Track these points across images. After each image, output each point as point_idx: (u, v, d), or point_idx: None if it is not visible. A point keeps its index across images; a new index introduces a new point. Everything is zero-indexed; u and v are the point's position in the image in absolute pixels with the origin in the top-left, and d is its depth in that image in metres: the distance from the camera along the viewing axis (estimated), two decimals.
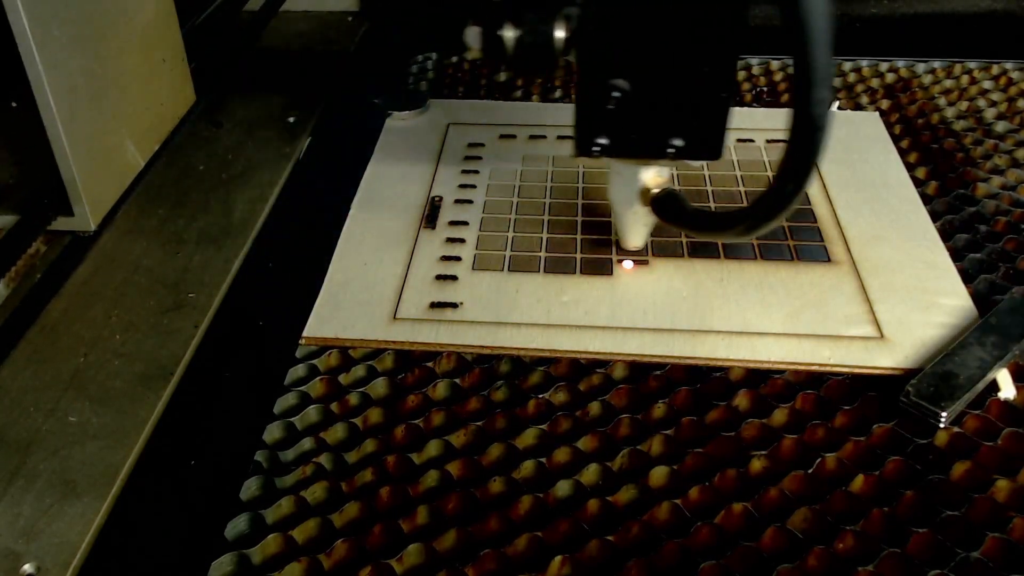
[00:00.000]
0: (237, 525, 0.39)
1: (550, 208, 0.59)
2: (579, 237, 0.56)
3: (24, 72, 0.50)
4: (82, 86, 0.55)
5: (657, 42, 0.42)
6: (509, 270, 0.53)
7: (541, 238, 0.56)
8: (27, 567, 0.38)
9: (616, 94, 0.43)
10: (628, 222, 0.52)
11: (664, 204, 0.48)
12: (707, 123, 0.44)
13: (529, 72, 0.46)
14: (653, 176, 0.48)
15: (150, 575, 0.38)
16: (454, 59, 0.79)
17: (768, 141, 0.65)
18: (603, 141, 0.45)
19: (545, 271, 0.53)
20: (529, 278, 0.53)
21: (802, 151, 0.36)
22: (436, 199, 0.60)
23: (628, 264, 0.53)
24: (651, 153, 0.45)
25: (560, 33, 0.43)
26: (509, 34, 0.44)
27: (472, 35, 0.45)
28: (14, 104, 0.58)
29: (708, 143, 0.45)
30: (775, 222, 0.40)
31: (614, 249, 0.55)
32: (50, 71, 0.51)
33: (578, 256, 0.54)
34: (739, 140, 0.65)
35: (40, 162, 0.54)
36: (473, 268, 0.54)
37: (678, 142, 0.44)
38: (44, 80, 0.51)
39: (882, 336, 0.48)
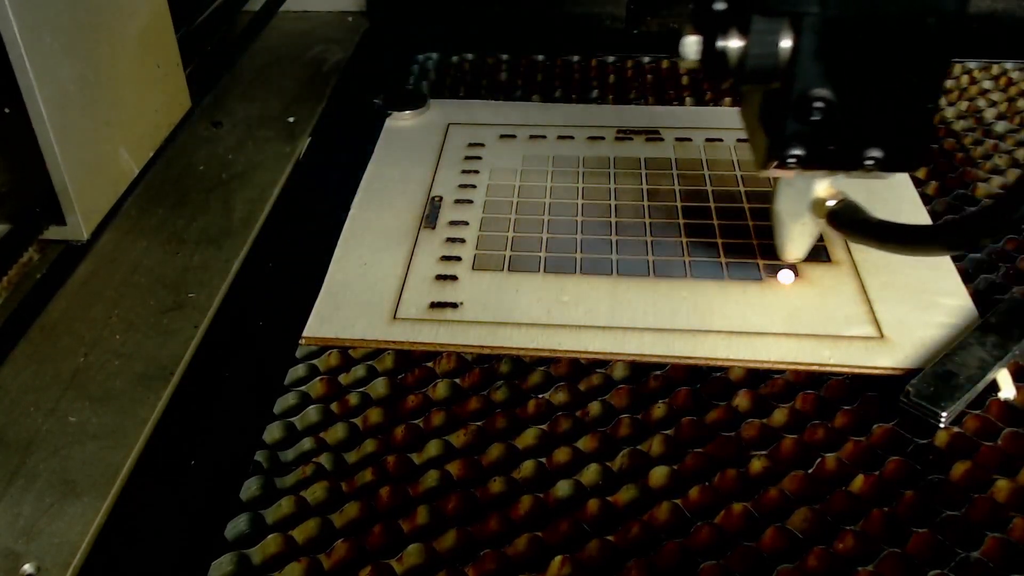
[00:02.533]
0: (237, 525, 0.39)
1: (550, 208, 0.59)
2: (579, 237, 0.56)
3: (15, 79, 0.50)
4: (74, 93, 0.54)
5: (867, 51, 0.40)
6: (509, 270, 0.53)
7: (541, 238, 0.56)
8: (27, 567, 0.38)
9: (820, 104, 0.41)
10: (795, 234, 0.50)
11: (842, 215, 0.46)
12: (909, 134, 0.43)
13: (749, 82, 0.43)
14: (827, 187, 0.47)
15: (150, 575, 0.38)
16: (454, 59, 0.79)
17: None
18: (799, 152, 0.43)
19: (545, 271, 0.53)
20: (529, 278, 0.53)
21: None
22: (436, 199, 0.60)
23: (787, 276, 0.52)
24: (848, 165, 0.44)
25: (786, 43, 0.41)
26: (733, 44, 0.42)
27: (690, 45, 0.43)
28: (6, 111, 0.57)
29: (910, 154, 0.43)
30: (989, 239, 0.39)
31: (614, 248, 0.54)
32: (41, 78, 0.50)
33: (578, 256, 0.54)
34: (739, 140, 0.65)
35: (31, 170, 0.53)
36: (473, 268, 0.54)
37: (876, 153, 0.43)
38: (35, 87, 0.50)
39: (882, 336, 0.48)
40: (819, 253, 0.54)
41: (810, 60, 0.41)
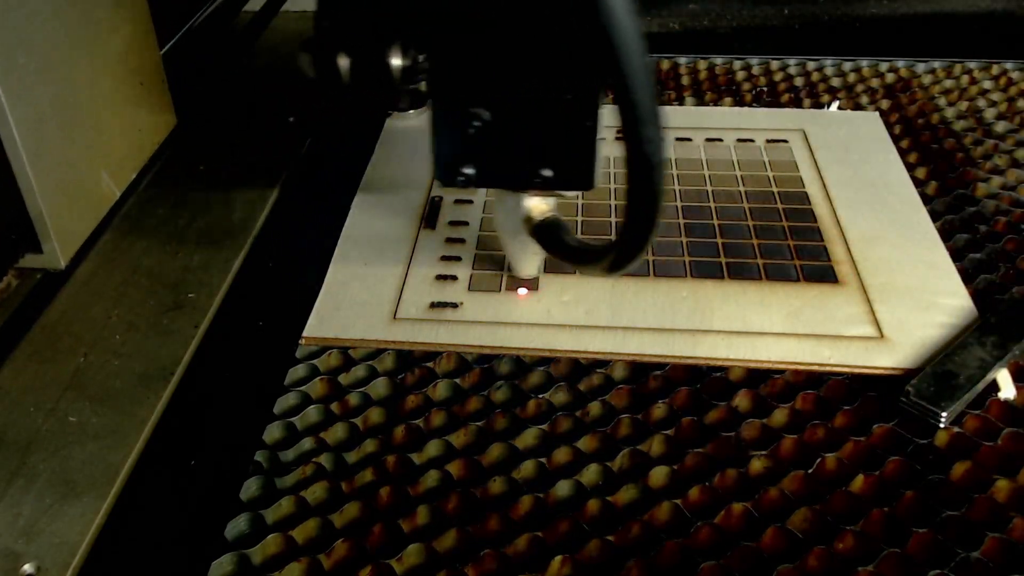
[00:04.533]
0: (237, 525, 0.39)
1: None
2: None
3: None
4: (51, 115, 0.52)
5: (514, 69, 0.39)
6: (510, 269, 0.53)
7: None
8: (27, 567, 0.38)
9: (476, 123, 0.40)
10: (517, 251, 0.50)
11: (544, 233, 0.45)
12: (575, 152, 0.42)
13: (369, 101, 0.42)
14: (537, 203, 0.46)
15: (150, 575, 0.38)
16: None
17: (768, 141, 0.65)
18: (469, 171, 0.43)
19: (545, 271, 0.53)
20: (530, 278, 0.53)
21: (645, 191, 0.34)
22: (436, 199, 0.60)
23: (523, 291, 0.51)
24: (520, 184, 0.43)
25: (397, 61, 0.41)
26: (343, 62, 0.41)
27: (304, 62, 0.42)
28: None
29: (578, 173, 0.42)
30: (634, 262, 0.38)
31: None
32: (14, 101, 0.48)
33: None
34: (739, 140, 0.65)
35: (5, 197, 0.51)
36: (473, 268, 0.54)
37: (547, 172, 0.42)
38: (7, 111, 0.48)
39: (882, 336, 0.48)
40: (819, 253, 0.54)
41: (452, 79, 0.40)
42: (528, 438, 0.43)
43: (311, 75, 0.43)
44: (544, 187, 0.43)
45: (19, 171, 0.50)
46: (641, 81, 0.31)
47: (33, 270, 0.54)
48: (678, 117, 0.69)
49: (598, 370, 0.47)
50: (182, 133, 0.68)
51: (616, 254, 0.39)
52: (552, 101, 0.40)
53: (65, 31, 0.54)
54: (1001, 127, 0.67)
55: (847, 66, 0.76)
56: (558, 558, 0.38)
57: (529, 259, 0.50)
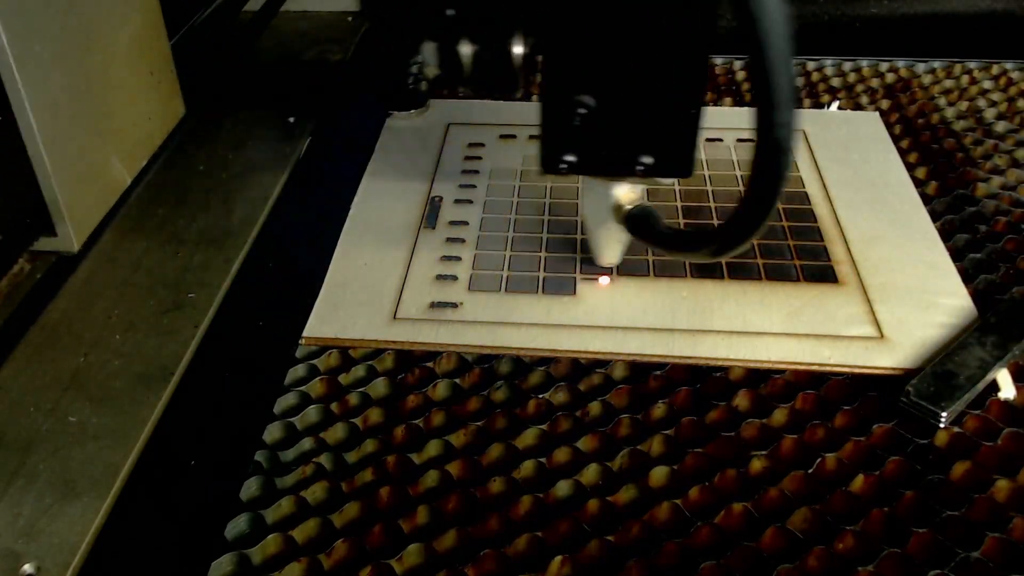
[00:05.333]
0: (237, 525, 0.39)
1: (550, 208, 0.59)
2: (579, 237, 0.56)
3: (3, 89, 0.49)
4: (65, 102, 0.53)
5: (623, 57, 0.40)
6: (509, 269, 0.53)
7: (541, 238, 0.56)
8: (27, 567, 0.38)
9: (582, 110, 0.41)
10: (602, 239, 0.50)
11: (637, 221, 0.46)
12: (676, 140, 0.42)
13: (490, 89, 0.43)
14: (626, 192, 0.47)
15: (150, 575, 0.38)
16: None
17: None
18: (570, 158, 0.43)
19: (545, 270, 0.53)
20: (530, 278, 0.53)
21: (768, 176, 0.35)
22: (436, 199, 0.60)
23: (604, 280, 0.52)
24: (620, 171, 0.44)
25: (519, 49, 0.41)
26: (465, 51, 0.42)
27: (428, 51, 0.43)
28: None
29: (678, 160, 0.43)
30: (742, 246, 0.39)
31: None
32: (31, 88, 0.50)
33: (578, 256, 0.54)
34: (739, 140, 0.65)
35: (21, 181, 0.52)
36: (473, 268, 0.54)
37: (647, 160, 0.43)
38: (24, 97, 0.49)
39: (882, 336, 0.48)
40: (819, 253, 0.54)
41: (563, 66, 0.41)
42: (528, 438, 0.43)
43: (433, 64, 0.43)
44: (644, 175, 0.43)
45: (35, 156, 0.51)
46: (783, 65, 0.32)
47: (47, 253, 0.56)
48: None
49: (598, 370, 0.47)
50: (187, 129, 0.68)
51: (726, 236, 0.39)
52: (658, 88, 0.41)
53: (79, 21, 0.55)
54: (1001, 127, 0.67)
55: (847, 66, 0.76)
56: (558, 558, 0.38)
57: (613, 247, 0.51)
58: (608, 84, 0.41)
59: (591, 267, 0.53)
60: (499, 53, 0.42)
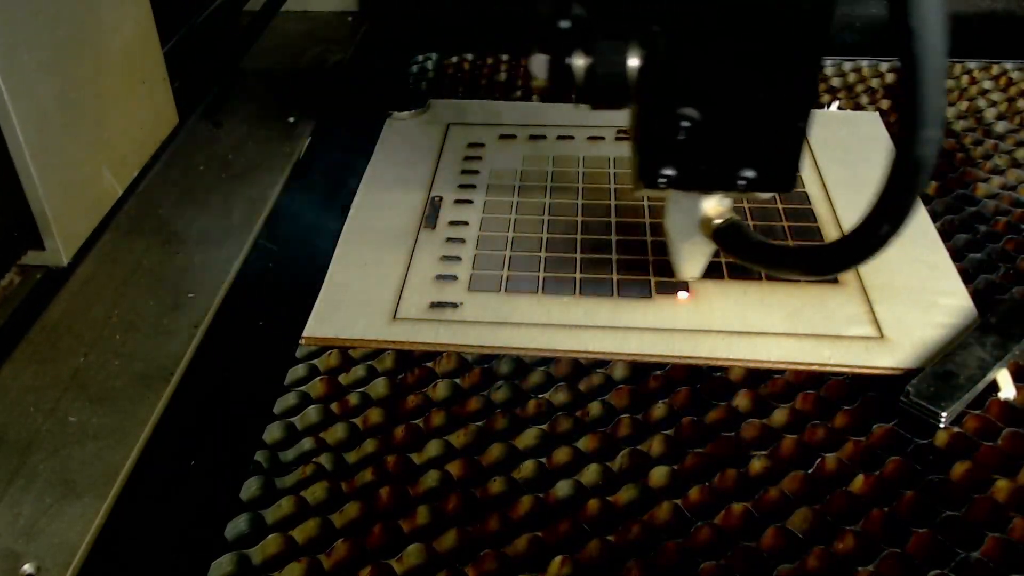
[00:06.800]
0: (237, 525, 0.39)
1: (550, 208, 0.59)
2: (579, 237, 0.56)
3: None
4: (53, 113, 0.52)
5: (732, 69, 0.39)
6: (509, 269, 0.53)
7: (541, 238, 0.56)
8: (27, 567, 0.38)
9: (686, 123, 0.40)
10: (686, 253, 0.49)
11: (728, 235, 0.45)
12: (781, 154, 0.42)
13: (600, 104, 0.42)
14: (714, 205, 0.46)
15: (150, 575, 0.38)
16: (454, 59, 0.79)
17: None
18: (669, 172, 0.43)
19: (545, 270, 0.53)
20: (530, 278, 0.53)
21: (903, 191, 0.34)
22: (436, 199, 0.60)
23: (684, 294, 0.51)
24: (721, 185, 0.43)
25: (634, 62, 0.40)
26: (579, 63, 0.40)
27: (538, 64, 0.41)
28: None
29: (782, 174, 0.42)
30: (862, 263, 0.37)
31: (614, 248, 0.55)
32: (17, 98, 0.49)
33: (578, 256, 0.54)
34: None
35: (8, 193, 0.51)
36: (473, 268, 0.54)
37: (749, 173, 0.42)
38: (10, 108, 0.48)
39: (882, 336, 0.48)
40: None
41: (669, 78, 0.40)
42: (528, 438, 0.43)
43: (542, 76, 0.42)
44: (745, 189, 0.43)
45: (22, 168, 0.50)
46: (937, 82, 0.31)
47: (35, 267, 0.54)
48: None
49: (598, 370, 0.47)
50: (183, 133, 0.68)
51: (846, 253, 0.38)
52: (766, 100, 0.40)
53: (68, 29, 0.54)
54: (1001, 127, 0.67)
55: (847, 66, 0.76)
56: (558, 558, 0.38)
57: (697, 261, 0.50)
58: (714, 96, 0.40)
59: (665, 283, 0.52)
60: (614, 66, 0.40)
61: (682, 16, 0.38)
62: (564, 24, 0.41)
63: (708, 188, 0.44)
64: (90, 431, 0.44)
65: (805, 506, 0.39)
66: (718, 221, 0.45)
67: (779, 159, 0.42)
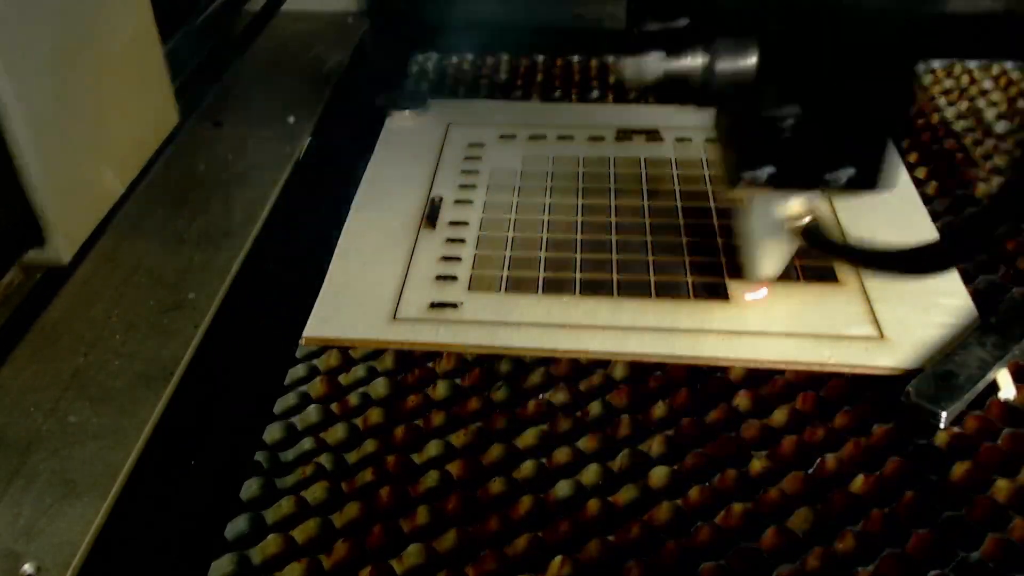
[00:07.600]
0: (237, 525, 0.39)
1: (550, 208, 0.59)
2: (579, 237, 0.56)
3: None
4: (54, 112, 0.52)
5: (834, 67, 0.39)
6: (510, 269, 0.53)
7: (541, 238, 0.56)
8: (27, 567, 0.38)
9: (789, 121, 0.40)
10: (766, 252, 0.49)
11: (816, 234, 0.45)
12: (878, 152, 0.42)
13: (711, 103, 0.42)
14: (798, 205, 0.46)
15: (150, 575, 0.38)
16: (454, 59, 0.79)
17: None
18: (766, 170, 0.43)
19: (545, 271, 0.53)
20: (530, 277, 0.52)
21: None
22: (436, 199, 0.60)
23: (758, 293, 0.51)
24: (813, 184, 0.43)
25: (752, 60, 0.39)
26: (697, 62, 0.40)
27: (651, 63, 0.40)
28: None
29: (873, 173, 0.42)
30: (967, 261, 0.38)
31: (613, 248, 0.55)
32: (19, 96, 0.48)
33: (578, 256, 0.54)
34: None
35: (9, 192, 0.51)
36: (473, 268, 0.54)
37: (846, 173, 0.42)
38: (11, 107, 0.48)
39: (882, 336, 0.48)
40: (819, 254, 0.54)
41: (776, 77, 0.40)
42: (528, 438, 0.43)
43: (652, 77, 0.41)
44: (839, 189, 0.43)
45: (23, 167, 0.50)
46: None
47: (36, 266, 0.54)
48: (678, 117, 0.69)
49: (598, 370, 0.47)
50: (183, 133, 0.68)
51: (949, 252, 0.38)
52: (867, 99, 0.40)
53: (68, 28, 0.54)
54: (1001, 127, 0.67)
55: None
56: (558, 558, 0.38)
57: (776, 260, 0.50)
58: (813, 95, 0.40)
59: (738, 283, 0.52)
60: (734, 63, 0.40)
61: (796, 15, 0.39)
62: (681, 23, 0.41)
63: (800, 187, 0.44)
64: (90, 431, 0.44)
65: (805, 506, 0.39)
66: (803, 220, 0.46)
67: (876, 157, 0.42)
